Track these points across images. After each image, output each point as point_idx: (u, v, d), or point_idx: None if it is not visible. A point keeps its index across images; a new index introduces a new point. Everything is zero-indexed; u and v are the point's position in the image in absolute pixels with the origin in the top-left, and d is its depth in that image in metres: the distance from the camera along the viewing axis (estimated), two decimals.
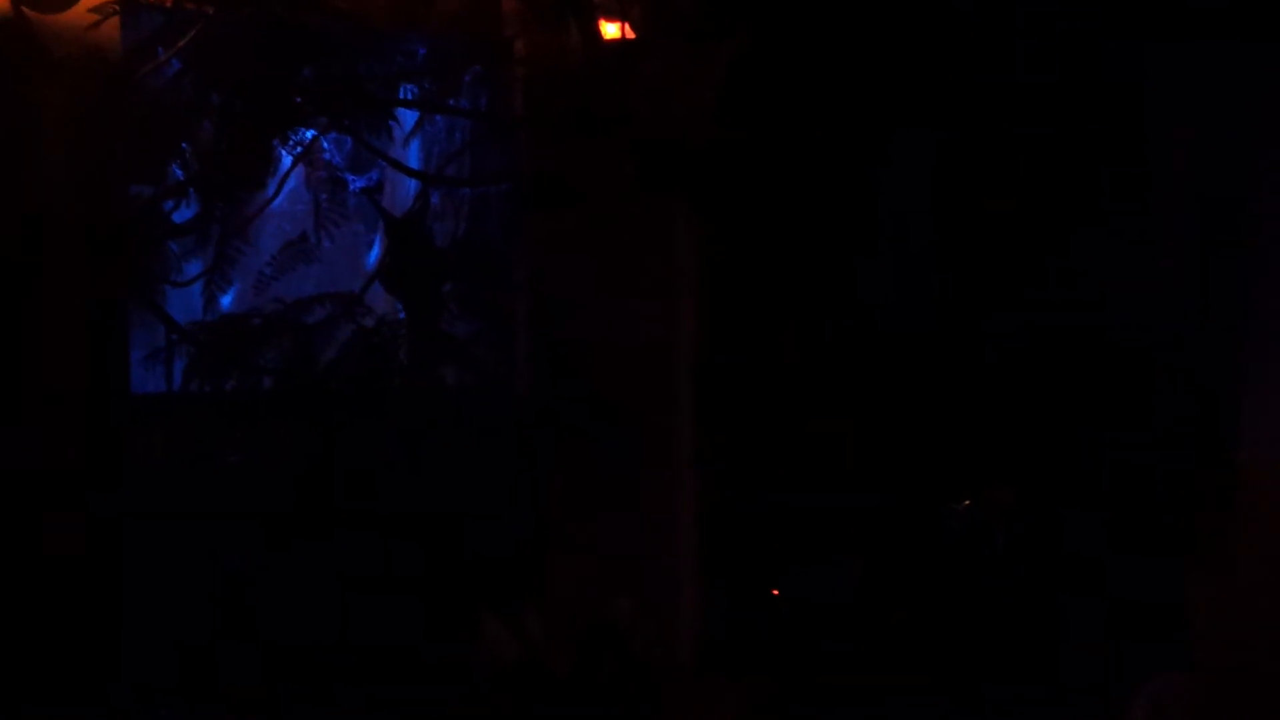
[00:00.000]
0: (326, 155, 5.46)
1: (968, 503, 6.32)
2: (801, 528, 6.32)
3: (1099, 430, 6.39)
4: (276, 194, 5.39)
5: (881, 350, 6.51)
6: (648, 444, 5.93)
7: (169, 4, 4.71)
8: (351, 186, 5.59)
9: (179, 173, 4.88)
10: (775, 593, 6.26)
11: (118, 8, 4.74)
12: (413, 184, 5.83)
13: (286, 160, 5.31)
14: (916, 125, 6.39)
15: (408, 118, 5.61)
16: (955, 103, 6.31)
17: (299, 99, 5.06)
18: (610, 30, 5.47)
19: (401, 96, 5.50)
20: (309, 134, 5.24)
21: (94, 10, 4.65)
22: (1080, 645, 6.09)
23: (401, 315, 5.56)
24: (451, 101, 5.73)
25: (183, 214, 5.08)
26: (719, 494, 6.17)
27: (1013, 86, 6.23)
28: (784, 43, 5.84)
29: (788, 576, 6.29)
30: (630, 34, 5.47)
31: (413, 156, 5.84)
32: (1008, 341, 6.43)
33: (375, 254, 5.82)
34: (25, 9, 4.71)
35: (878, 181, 6.51)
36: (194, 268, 5.35)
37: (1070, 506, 6.36)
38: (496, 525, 5.85)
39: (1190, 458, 6.25)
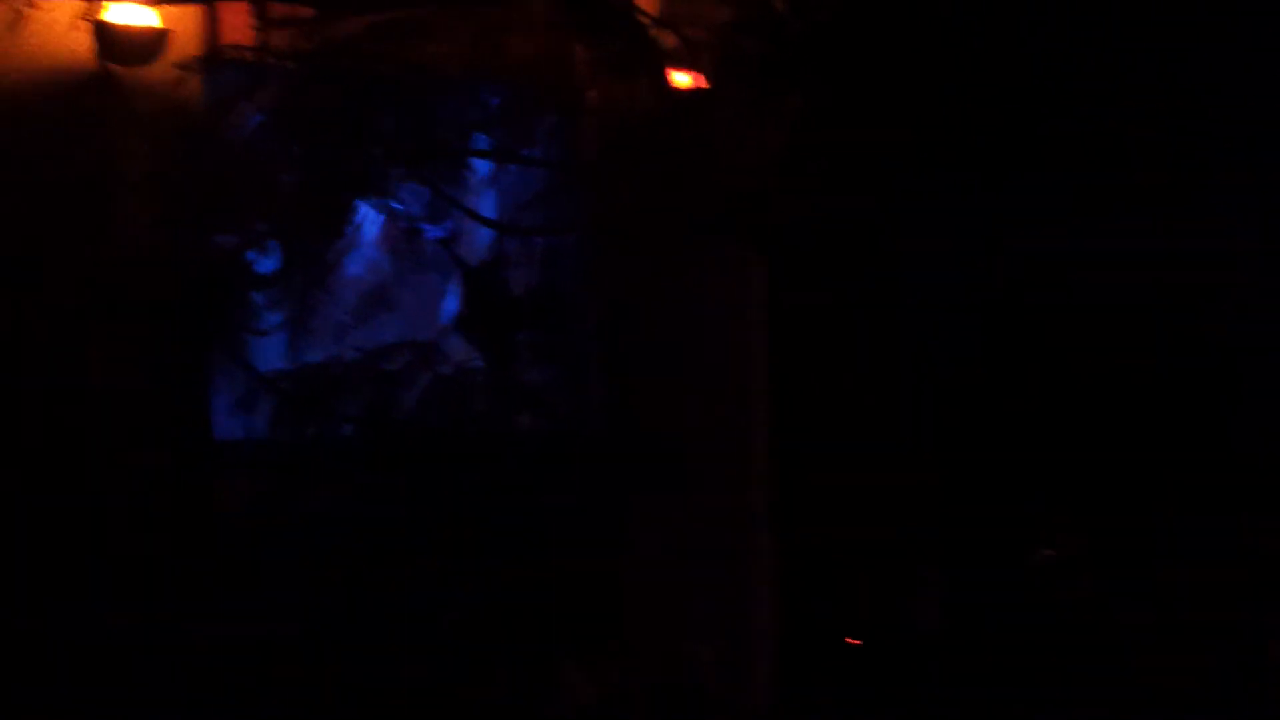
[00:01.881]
0: (403, 206, 5.55)
1: (1049, 550, 6.30)
2: (880, 575, 6.30)
3: (1180, 474, 6.34)
4: (355, 244, 5.48)
5: (955, 397, 6.51)
6: (723, 490, 5.95)
7: (251, 59, 4.82)
8: (427, 236, 5.67)
9: (261, 224, 4.97)
10: (852, 641, 6.23)
11: (199, 64, 4.89)
12: (486, 232, 5.92)
13: (364, 211, 5.40)
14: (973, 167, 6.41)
15: (483, 167, 5.70)
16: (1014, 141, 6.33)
17: (377, 150, 5.16)
18: (681, 80, 5.54)
19: (476, 146, 5.60)
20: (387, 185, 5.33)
21: (178, 66, 4.79)
22: (1160, 690, 6.03)
23: (478, 363, 5.61)
24: (525, 151, 5.81)
25: (263, 264, 5.18)
26: (795, 541, 6.17)
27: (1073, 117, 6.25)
28: (850, 91, 5.89)
29: (865, 624, 6.27)
30: (701, 83, 5.53)
31: (487, 205, 5.93)
32: (1085, 383, 6.42)
33: (451, 302, 5.90)
34: (111, 64, 4.87)
35: (943, 223, 6.53)
36: (272, 314, 5.46)
37: (1153, 554, 6.31)
38: (573, 572, 5.87)
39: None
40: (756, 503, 6.05)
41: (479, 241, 5.90)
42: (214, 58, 4.97)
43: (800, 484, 6.25)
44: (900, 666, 6.17)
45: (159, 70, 4.86)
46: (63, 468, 4.91)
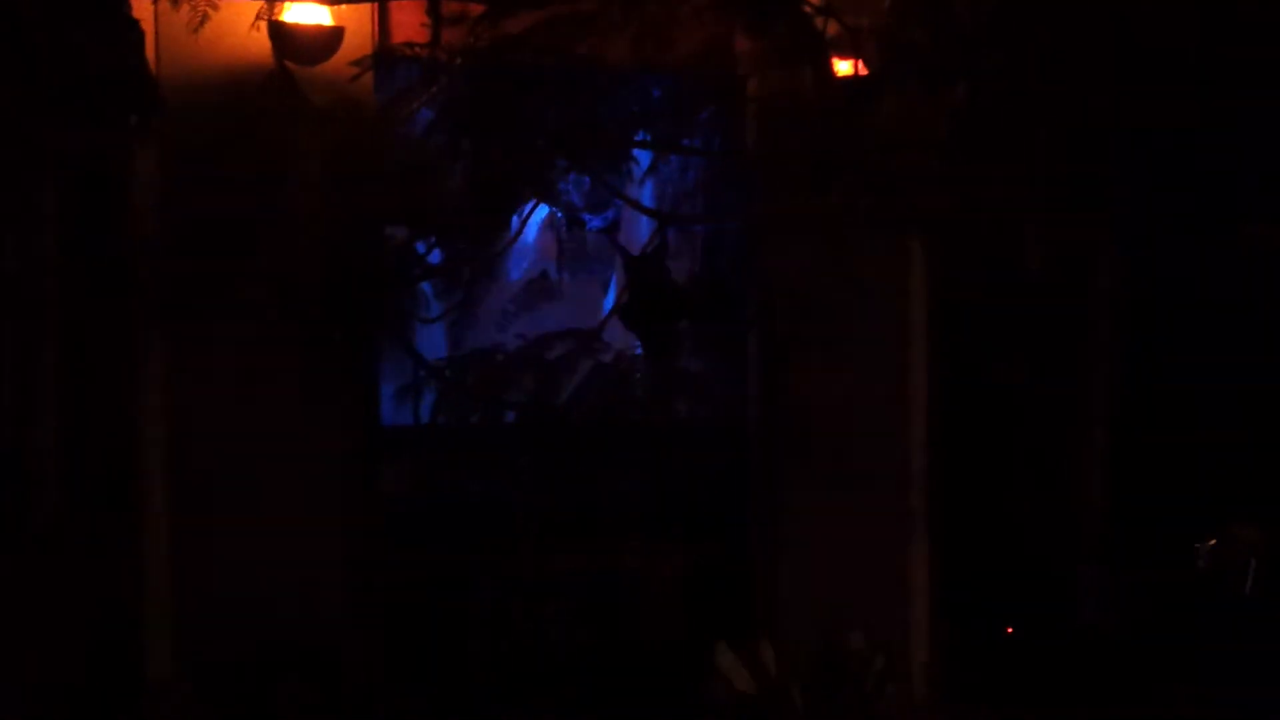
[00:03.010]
0: (566, 195, 5.62)
1: (1214, 541, 6.16)
2: (1037, 562, 6.24)
3: None
4: (519, 234, 5.56)
5: (1119, 383, 6.40)
6: (881, 479, 5.94)
7: (423, 54, 4.90)
8: (589, 226, 5.73)
9: (431, 217, 5.06)
10: (1010, 630, 6.19)
11: (372, 61, 4.99)
12: (646, 222, 5.96)
13: (529, 202, 5.47)
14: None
15: (644, 157, 5.74)
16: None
17: (541, 142, 5.22)
18: (843, 68, 5.50)
19: (637, 137, 5.63)
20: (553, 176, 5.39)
21: (353, 64, 4.90)
22: None
23: (638, 351, 5.67)
24: (686, 141, 5.83)
25: (432, 255, 5.28)
26: (951, 528, 6.14)
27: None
28: (1016, 80, 5.79)
29: (1025, 616, 6.22)
30: (863, 71, 5.49)
31: (647, 195, 5.97)
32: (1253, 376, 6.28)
33: (612, 291, 5.96)
34: (288, 62, 5.00)
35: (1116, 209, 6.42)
36: (439, 303, 5.57)
37: None
38: (729, 557, 5.92)
39: None
40: (915, 493, 6.02)
41: (640, 231, 5.96)
42: (386, 55, 5.08)
43: (960, 474, 6.20)
44: (1061, 660, 6.10)
45: (333, 67, 4.98)
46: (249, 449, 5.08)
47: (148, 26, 4.61)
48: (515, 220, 5.50)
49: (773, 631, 5.66)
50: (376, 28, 5.28)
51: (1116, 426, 6.42)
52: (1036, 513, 6.31)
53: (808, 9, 5.32)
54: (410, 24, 5.17)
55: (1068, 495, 6.32)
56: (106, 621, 5.03)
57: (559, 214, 5.61)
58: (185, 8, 4.66)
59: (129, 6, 4.45)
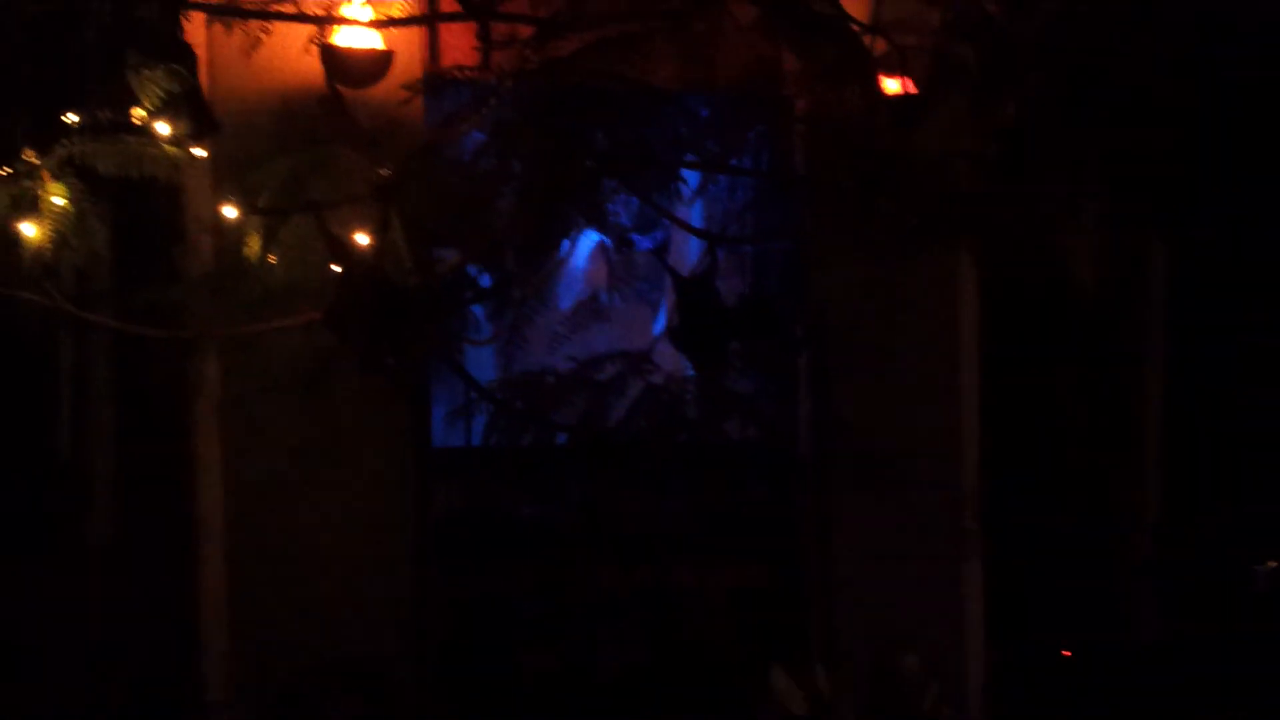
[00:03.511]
0: (615, 217, 5.61)
1: (1273, 563, 6.10)
2: (1091, 582, 6.18)
3: None
4: (569, 255, 5.57)
5: (1174, 399, 6.34)
6: (934, 497, 5.90)
7: (471, 78, 4.92)
8: (639, 247, 5.73)
9: (482, 239, 5.07)
10: (1067, 654, 6.12)
11: (422, 85, 5.02)
12: (695, 242, 5.96)
13: (579, 224, 5.47)
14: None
15: (693, 177, 5.74)
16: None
17: (590, 164, 5.22)
18: (891, 86, 5.49)
19: (686, 157, 5.62)
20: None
21: (404, 87, 4.93)
22: None
23: (689, 372, 5.66)
24: (734, 161, 5.83)
25: (483, 277, 5.29)
26: (1006, 550, 6.09)
27: None
28: (1067, 95, 5.76)
29: (1079, 635, 6.16)
30: (912, 90, 5.47)
31: (696, 215, 5.97)
32: None
33: (662, 312, 5.95)
34: (339, 86, 5.03)
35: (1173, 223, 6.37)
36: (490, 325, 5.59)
37: None
38: (781, 578, 5.89)
39: None
40: (969, 513, 5.97)
41: (688, 252, 5.96)
42: (436, 78, 5.11)
43: (1013, 493, 6.15)
44: (1116, 683, 6.04)
45: (383, 91, 5.02)
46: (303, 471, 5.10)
47: (201, 51, 4.66)
48: (565, 242, 5.51)
49: (826, 653, 5.63)
50: (426, 51, 5.33)
51: (1171, 444, 6.36)
52: (1090, 533, 6.25)
53: (855, 28, 5.32)
54: (459, 47, 5.22)
55: (1121, 515, 6.26)
56: (164, 639, 5.07)
57: (607, 236, 5.60)
58: (238, 32, 4.70)
59: (183, 31, 4.50)
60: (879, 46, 5.32)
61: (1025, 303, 6.12)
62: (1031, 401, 6.33)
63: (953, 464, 6.01)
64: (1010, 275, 5.95)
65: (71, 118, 4.41)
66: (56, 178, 4.40)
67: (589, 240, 5.79)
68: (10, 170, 4.40)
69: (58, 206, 4.40)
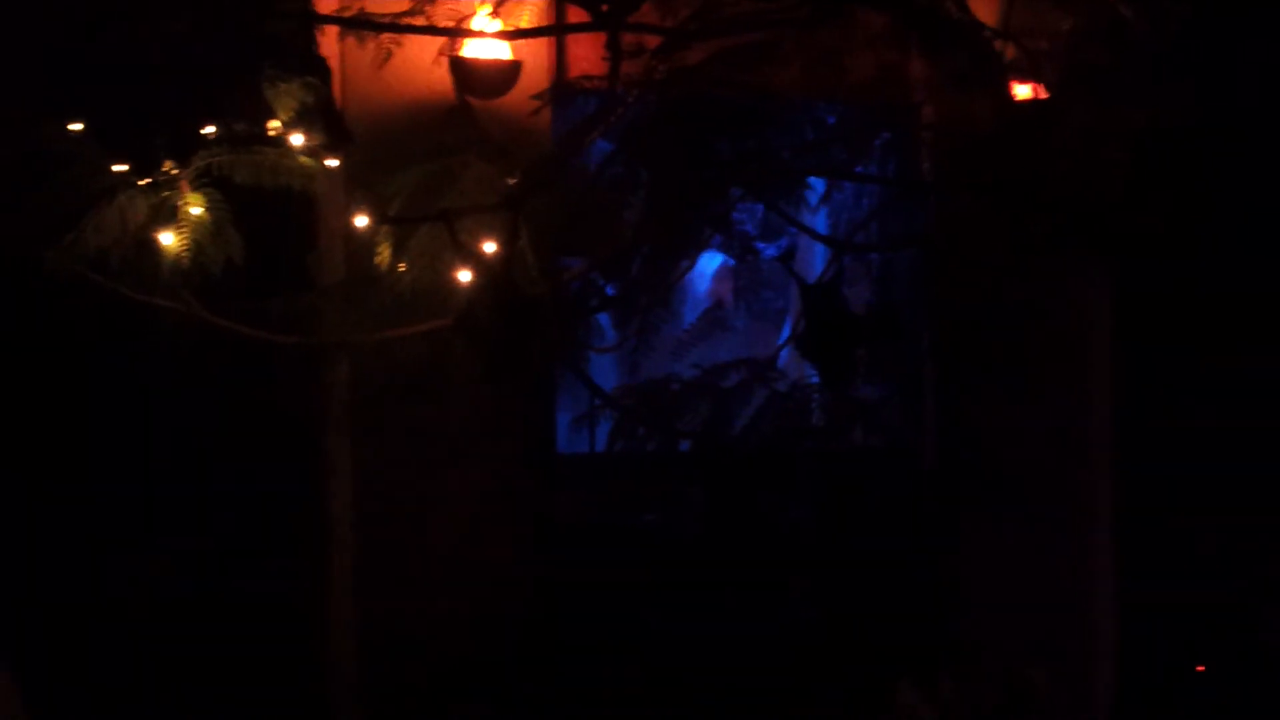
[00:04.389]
0: (741, 224, 5.62)
1: None
2: (1230, 598, 6.04)
3: None
4: (693, 263, 5.58)
5: None
6: (1063, 508, 5.81)
7: (599, 88, 4.95)
8: (764, 254, 5.72)
9: (609, 247, 5.10)
10: (1200, 669, 6.00)
11: (550, 95, 5.06)
12: (820, 250, 5.94)
13: (705, 231, 5.48)
14: None
15: (819, 185, 5.72)
16: None
17: (716, 172, 5.23)
18: (1022, 91, 5.42)
19: (812, 164, 5.61)
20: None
21: (533, 97, 4.97)
22: None
23: (813, 380, 5.64)
24: (860, 168, 5.80)
25: (609, 286, 5.33)
26: (1136, 561, 5.98)
27: None
28: (1203, 102, 5.64)
29: (1211, 650, 6.03)
30: (1042, 94, 5.40)
31: (821, 223, 5.95)
32: None
33: (788, 320, 5.94)
34: (469, 97, 5.09)
35: None
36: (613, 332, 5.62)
37: None
38: (907, 591, 5.83)
39: None
40: (1099, 526, 5.87)
41: (812, 259, 5.94)
42: (564, 88, 5.14)
43: (1144, 505, 6.04)
44: (1248, 700, 5.90)
45: (512, 101, 5.06)
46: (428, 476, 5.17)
47: (334, 64, 4.74)
48: (693, 251, 5.51)
49: (954, 664, 5.56)
50: (554, 62, 5.37)
51: None
52: (1222, 548, 6.11)
53: (985, 33, 5.26)
54: (586, 57, 5.25)
55: (1260, 521, 6.11)
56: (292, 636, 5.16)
57: (733, 243, 5.61)
58: (370, 45, 4.78)
59: (317, 45, 4.58)
60: (1009, 52, 5.27)
61: (1162, 309, 6.01)
62: (1162, 409, 6.19)
63: (1083, 476, 5.91)
64: (1147, 283, 5.86)
65: (209, 130, 4.54)
66: (195, 188, 4.53)
67: (715, 248, 5.78)
68: (150, 180, 4.52)
69: (195, 216, 4.53)
